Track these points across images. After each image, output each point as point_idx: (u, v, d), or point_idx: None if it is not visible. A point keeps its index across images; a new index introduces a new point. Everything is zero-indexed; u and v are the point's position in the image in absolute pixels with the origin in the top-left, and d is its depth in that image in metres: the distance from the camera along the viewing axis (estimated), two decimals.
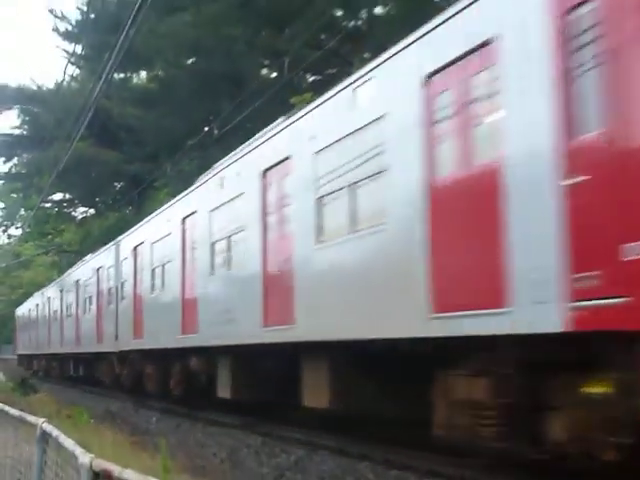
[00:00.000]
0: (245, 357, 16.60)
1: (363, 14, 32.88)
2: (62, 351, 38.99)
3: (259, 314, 14.53)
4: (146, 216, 25.79)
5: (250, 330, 14.83)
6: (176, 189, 25.26)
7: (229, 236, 16.70)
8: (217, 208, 17.49)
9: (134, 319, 23.99)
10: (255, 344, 14.86)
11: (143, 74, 47.37)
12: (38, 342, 47.92)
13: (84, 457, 4.85)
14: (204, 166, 23.04)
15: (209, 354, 18.22)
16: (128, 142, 44.93)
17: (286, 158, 14.02)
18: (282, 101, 27.95)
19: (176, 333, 19.37)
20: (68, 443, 5.66)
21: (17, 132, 56.06)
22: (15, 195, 71.78)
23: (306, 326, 12.85)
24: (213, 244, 17.62)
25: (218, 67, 35.10)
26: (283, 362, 14.78)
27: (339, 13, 33.43)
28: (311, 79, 36.91)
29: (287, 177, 14.07)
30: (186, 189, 21.22)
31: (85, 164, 44.37)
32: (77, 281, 35.78)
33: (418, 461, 11.17)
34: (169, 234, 20.89)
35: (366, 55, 28.99)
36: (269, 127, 15.86)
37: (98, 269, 30.62)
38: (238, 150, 17.40)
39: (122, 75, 44.13)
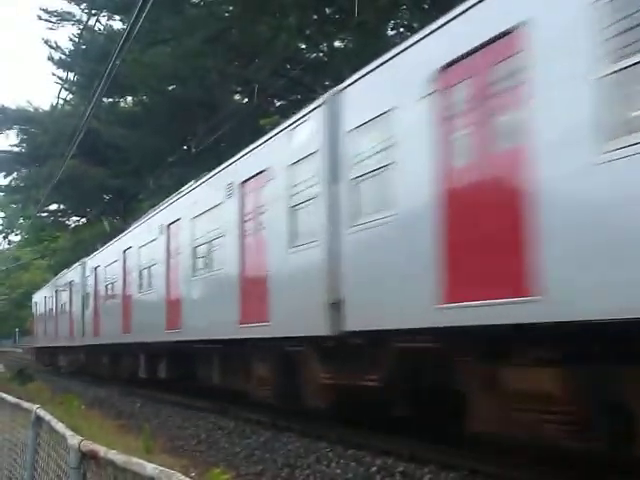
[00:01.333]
0: None
1: (324, 47, 32.93)
2: (122, 341, 24.01)
3: None
4: (130, 225, 24.37)
5: None
6: (157, 201, 24.90)
7: None
8: None
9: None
10: None
11: (129, 99, 47.24)
12: (74, 331, 33.28)
13: (73, 439, 4.77)
14: (182, 181, 22.85)
15: None
16: (115, 159, 44.73)
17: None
18: (252, 123, 27.93)
19: None
20: (59, 427, 5.57)
21: (16, 150, 55.57)
22: (15, 206, 71.37)
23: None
24: None
25: (194, 94, 35.01)
26: None
27: (302, 46, 33.47)
28: (278, 104, 36.93)
29: None
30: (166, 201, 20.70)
31: (77, 179, 44.14)
32: (168, 226, 19.46)
33: (374, 441, 11.19)
34: None
35: (327, 83, 29.03)
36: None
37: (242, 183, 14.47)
38: None
39: (110, 100, 43.92)
